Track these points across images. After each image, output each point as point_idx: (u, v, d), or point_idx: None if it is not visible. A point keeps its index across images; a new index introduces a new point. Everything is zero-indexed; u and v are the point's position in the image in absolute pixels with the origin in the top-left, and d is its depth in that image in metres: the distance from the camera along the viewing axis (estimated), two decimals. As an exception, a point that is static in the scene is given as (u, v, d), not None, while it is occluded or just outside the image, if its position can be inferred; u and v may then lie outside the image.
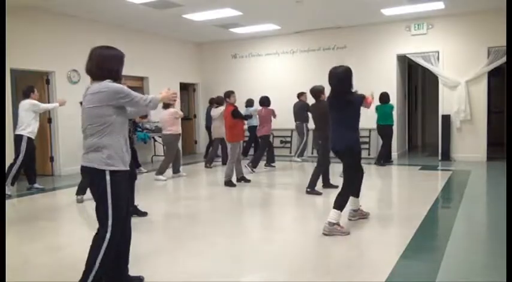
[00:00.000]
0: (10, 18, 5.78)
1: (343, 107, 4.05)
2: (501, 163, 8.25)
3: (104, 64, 2.60)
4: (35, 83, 7.92)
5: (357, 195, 4.38)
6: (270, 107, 8.51)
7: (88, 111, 2.56)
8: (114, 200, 2.53)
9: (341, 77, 4.01)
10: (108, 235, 2.51)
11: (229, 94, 6.84)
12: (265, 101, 8.48)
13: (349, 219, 4.37)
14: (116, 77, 2.65)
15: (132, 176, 4.54)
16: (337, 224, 3.91)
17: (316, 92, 5.86)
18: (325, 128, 5.56)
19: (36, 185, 6.62)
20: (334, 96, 4.12)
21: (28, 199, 6.14)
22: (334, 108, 4.15)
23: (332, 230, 3.89)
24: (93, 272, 2.48)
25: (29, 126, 6.19)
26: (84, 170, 2.59)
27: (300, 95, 9.08)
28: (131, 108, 2.75)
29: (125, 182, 2.63)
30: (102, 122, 2.52)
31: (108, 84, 2.57)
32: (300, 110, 8.95)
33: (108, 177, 2.52)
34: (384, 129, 8.69)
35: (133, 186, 4.64)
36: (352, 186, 4.12)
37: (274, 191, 6.70)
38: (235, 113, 6.66)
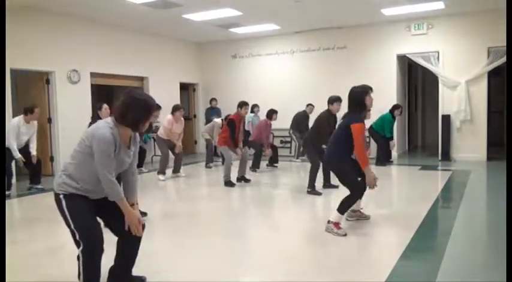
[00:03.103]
0: (10, 18, 5.79)
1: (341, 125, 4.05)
2: (501, 163, 8.25)
3: (122, 112, 2.48)
4: (35, 83, 7.96)
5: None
6: (270, 121, 8.26)
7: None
8: (73, 216, 2.49)
9: (349, 97, 3.99)
10: (80, 248, 2.48)
11: (242, 105, 6.74)
12: (269, 114, 8.23)
13: (347, 219, 4.37)
14: (133, 126, 2.52)
15: None
16: (334, 223, 3.92)
17: (329, 100, 5.76)
18: (316, 135, 5.71)
19: (36, 185, 6.62)
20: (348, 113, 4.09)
21: (28, 199, 6.14)
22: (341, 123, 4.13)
23: (328, 227, 3.95)
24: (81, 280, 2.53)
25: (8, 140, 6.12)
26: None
27: (307, 106, 9.11)
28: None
29: (85, 200, 2.54)
30: (79, 150, 2.51)
31: (99, 124, 2.49)
32: (293, 119, 9.06)
33: (62, 198, 2.50)
34: (378, 135, 8.66)
35: None
36: (356, 194, 4.05)
37: (274, 191, 6.70)
38: (230, 124, 6.67)
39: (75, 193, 2.51)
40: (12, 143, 6.10)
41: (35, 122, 6.46)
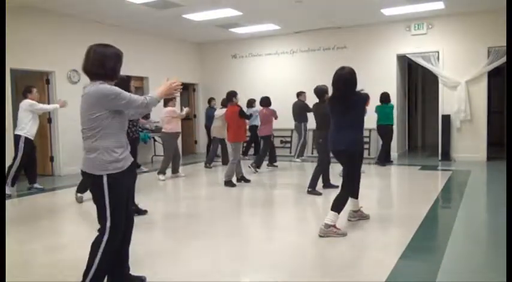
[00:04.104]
0: (10, 18, 5.79)
1: (348, 108, 4.00)
2: (501, 163, 8.25)
3: (100, 63, 2.50)
4: (35, 83, 7.93)
5: (356, 196, 4.37)
6: (271, 108, 8.49)
7: (82, 114, 2.53)
8: (112, 203, 2.51)
9: (347, 78, 3.97)
10: (105, 237, 2.51)
11: (235, 95, 6.83)
12: (265, 101, 8.47)
13: (349, 220, 4.37)
14: (112, 76, 2.57)
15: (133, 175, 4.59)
16: (334, 225, 3.90)
17: (320, 92, 5.86)
18: (325, 128, 5.56)
19: (36, 185, 6.63)
20: (339, 97, 4.04)
21: (28, 199, 6.14)
22: (337, 109, 4.09)
23: (328, 232, 3.88)
24: (91, 273, 2.49)
25: (26, 127, 6.19)
26: (84, 173, 2.58)
27: (299, 94, 9.07)
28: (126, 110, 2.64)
29: (123, 183, 2.58)
30: (96, 125, 2.47)
31: (98, 86, 2.47)
32: (297, 110, 8.94)
33: (105, 182, 2.49)
34: (384, 129, 8.69)
35: (133, 186, 4.66)
36: (351, 188, 4.10)
37: (274, 191, 6.70)
38: (242, 113, 6.72)
39: (117, 172, 2.51)
40: (45, 106, 6.62)
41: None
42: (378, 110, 8.61)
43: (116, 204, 2.53)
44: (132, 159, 2.71)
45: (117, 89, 2.50)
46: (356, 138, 4.06)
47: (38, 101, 6.50)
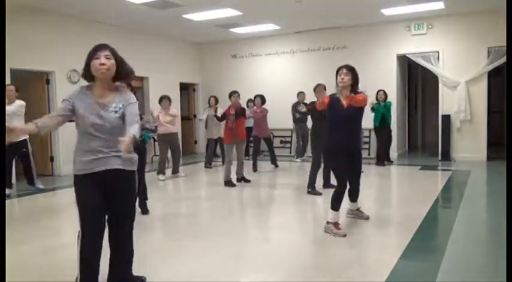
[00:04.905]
0: (10, 18, 5.78)
1: None
2: (501, 163, 8.24)
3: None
4: (35, 83, 7.97)
5: (353, 199, 4.39)
6: (263, 107, 8.43)
7: None
8: (78, 206, 2.52)
9: None
10: (78, 242, 2.53)
11: (229, 95, 6.86)
12: (254, 100, 8.49)
13: (346, 217, 4.41)
14: (85, 75, 2.56)
15: (141, 179, 4.61)
16: (333, 223, 3.93)
17: (314, 91, 5.89)
18: (317, 127, 5.60)
19: (37, 186, 6.60)
20: None
21: (28, 199, 6.14)
22: None
23: (326, 228, 3.96)
24: (78, 270, 2.53)
25: None
26: None
27: (297, 94, 9.07)
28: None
29: (83, 187, 2.51)
30: (76, 124, 2.54)
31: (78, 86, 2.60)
32: (292, 110, 8.98)
33: (73, 182, 2.56)
34: (378, 130, 8.68)
35: (140, 188, 4.67)
36: (339, 185, 4.02)
37: (274, 191, 6.70)
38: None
39: (80, 174, 2.50)
40: None
41: (19, 102, 6.22)
42: (375, 110, 8.58)
43: (80, 209, 2.51)
44: (111, 166, 2.52)
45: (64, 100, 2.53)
46: (327, 138, 4.10)
47: (12, 97, 6.20)
